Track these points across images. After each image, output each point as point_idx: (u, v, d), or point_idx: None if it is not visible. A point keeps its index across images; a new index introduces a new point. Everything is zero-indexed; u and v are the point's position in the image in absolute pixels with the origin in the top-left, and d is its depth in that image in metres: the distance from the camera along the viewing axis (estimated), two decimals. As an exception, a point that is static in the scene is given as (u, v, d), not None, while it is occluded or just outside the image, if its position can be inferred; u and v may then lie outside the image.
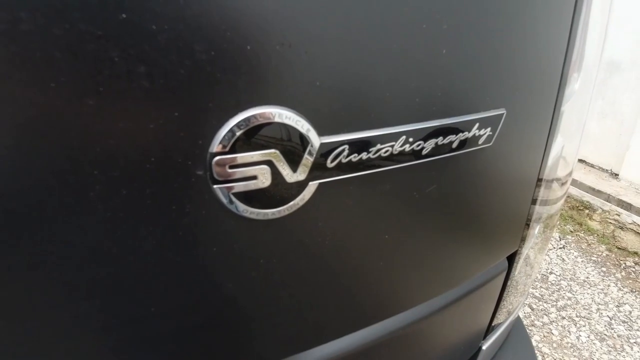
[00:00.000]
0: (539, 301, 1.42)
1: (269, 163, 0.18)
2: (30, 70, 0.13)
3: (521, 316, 1.30)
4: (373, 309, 0.28)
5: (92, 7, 0.13)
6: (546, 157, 0.34)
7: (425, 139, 0.22)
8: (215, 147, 0.17)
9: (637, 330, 1.28)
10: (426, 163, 0.23)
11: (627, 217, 1.85)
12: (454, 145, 0.23)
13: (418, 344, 0.36)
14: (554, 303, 1.41)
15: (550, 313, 1.36)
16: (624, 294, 1.45)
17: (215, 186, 0.17)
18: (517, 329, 0.52)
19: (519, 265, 0.39)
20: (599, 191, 2.06)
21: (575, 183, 2.21)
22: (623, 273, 1.56)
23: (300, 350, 0.25)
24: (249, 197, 0.18)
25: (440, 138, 0.22)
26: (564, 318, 1.34)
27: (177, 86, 0.16)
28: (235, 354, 0.23)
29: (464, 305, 0.35)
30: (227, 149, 0.17)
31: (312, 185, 0.19)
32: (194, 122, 0.16)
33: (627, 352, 1.19)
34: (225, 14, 0.15)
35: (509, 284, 0.39)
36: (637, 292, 1.45)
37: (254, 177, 0.18)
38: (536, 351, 1.19)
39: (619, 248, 1.71)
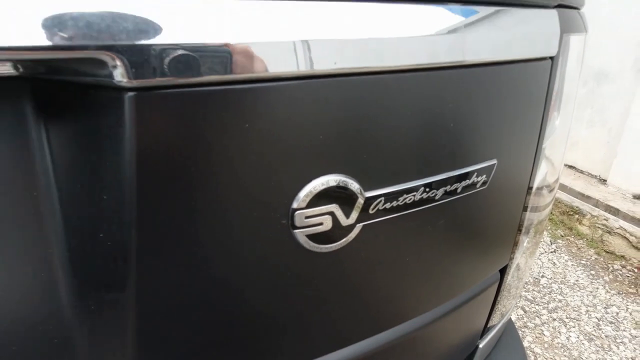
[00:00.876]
0: (531, 304, 1.51)
1: (331, 213, 0.26)
2: None
3: (514, 318, 1.39)
4: (384, 318, 0.36)
5: None
6: (530, 188, 0.42)
7: (437, 188, 0.30)
8: (296, 204, 0.24)
9: (624, 330, 1.37)
10: (438, 205, 0.31)
11: (614, 222, 1.95)
12: (458, 190, 0.31)
13: (420, 348, 0.44)
14: (546, 305, 1.50)
15: (542, 315, 1.45)
16: (612, 296, 1.54)
17: (294, 230, 0.25)
18: (509, 329, 0.60)
19: (510, 275, 0.47)
20: (588, 197, 2.17)
21: (565, 189, 2.31)
22: (611, 276, 1.66)
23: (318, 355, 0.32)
24: (316, 237, 0.26)
25: (448, 186, 0.30)
26: (554, 320, 1.43)
27: (275, 167, 0.23)
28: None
29: (463, 312, 0.43)
30: (304, 205, 0.25)
31: (358, 227, 0.27)
32: (284, 187, 0.24)
33: (613, 352, 1.29)
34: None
35: (501, 291, 0.47)
36: (623, 294, 1.55)
37: (321, 223, 0.25)
38: (529, 351, 1.28)
39: (607, 252, 1.81)
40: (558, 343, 1.32)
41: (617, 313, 1.45)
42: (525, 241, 0.48)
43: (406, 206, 0.29)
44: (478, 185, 0.33)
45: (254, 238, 0.25)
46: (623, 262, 1.73)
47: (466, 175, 0.31)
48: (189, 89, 0.19)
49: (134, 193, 0.20)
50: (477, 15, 0.29)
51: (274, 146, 0.23)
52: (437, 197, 0.30)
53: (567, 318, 1.43)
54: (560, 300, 1.52)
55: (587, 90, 2.39)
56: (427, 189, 0.29)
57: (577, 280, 1.63)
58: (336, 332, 0.33)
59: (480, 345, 0.49)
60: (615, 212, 2.00)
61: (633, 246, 1.79)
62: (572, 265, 1.74)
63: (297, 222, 0.25)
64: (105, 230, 0.21)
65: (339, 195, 0.26)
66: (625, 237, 1.85)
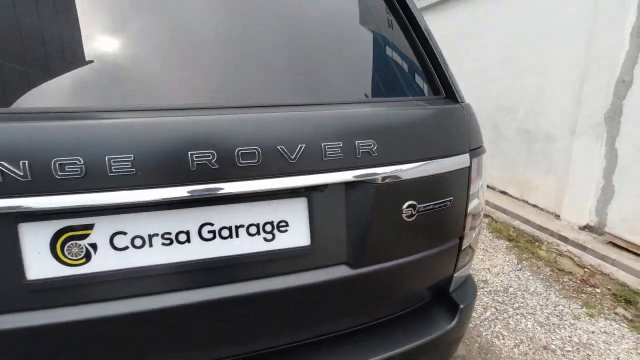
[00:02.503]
0: (501, 304, 2.06)
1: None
2: None
3: (489, 314, 1.93)
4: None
5: None
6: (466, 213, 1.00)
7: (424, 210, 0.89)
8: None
9: (565, 320, 1.92)
10: (431, 213, 0.89)
11: (564, 247, 2.56)
12: (436, 209, 0.90)
13: (419, 277, 0.98)
14: (512, 305, 2.05)
15: (509, 311, 1.99)
16: (560, 299, 2.11)
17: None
18: (470, 279, 1.15)
19: (464, 240, 1.04)
20: (546, 228, 2.80)
21: (529, 222, 2.95)
22: (560, 286, 2.23)
23: None
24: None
25: (432, 208, 0.89)
26: (517, 314, 1.97)
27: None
28: None
29: (445, 254, 0.99)
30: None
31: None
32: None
33: (557, 333, 1.83)
34: None
35: (461, 247, 1.04)
36: (568, 298, 2.11)
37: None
38: (499, 334, 1.81)
39: (558, 269, 2.39)
40: (519, 328, 1.86)
41: (562, 310, 2.00)
42: (468, 225, 1.05)
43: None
44: (443, 208, 0.91)
45: None
46: (570, 276, 2.31)
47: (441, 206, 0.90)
48: None
49: None
50: (425, 164, 0.87)
51: None
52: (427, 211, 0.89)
53: (526, 313, 1.98)
54: (522, 302, 2.07)
55: (541, 147, 3.12)
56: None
57: (535, 289, 2.20)
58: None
59: (455, 274, 1.05)
60: (565, 239, 2.62)
61: (577, 265, 2.39)
62: (532, 279, 2.31)
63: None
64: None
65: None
66: (571, 258, 2.45)
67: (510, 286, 2.23)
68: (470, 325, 1.89)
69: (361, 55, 0.93)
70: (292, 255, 0.76)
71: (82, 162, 0.59)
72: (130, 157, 0.61)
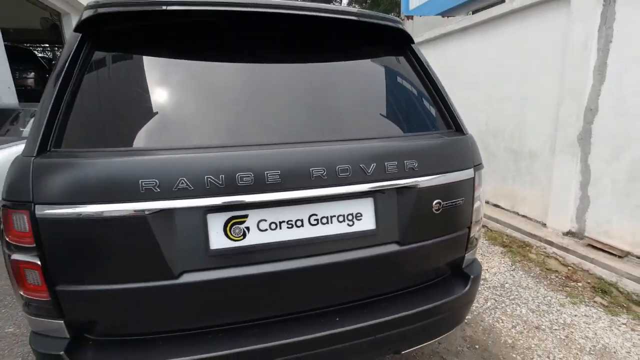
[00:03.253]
0: (499, 297, 2.45)
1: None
2: None
3: (489, 304, 2.34)
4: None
5: None
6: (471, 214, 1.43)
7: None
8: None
9: (553, 307, 2.32)
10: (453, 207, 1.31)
11: (550, 250, 2.99)
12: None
13: (443, 254, 1.39)
14: (508, 297, 2.44)
15: (506, 302, 2.39)
16: (548, 291, 2.51)
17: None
18: (476, 261, 1.55)
19: (471, 229, 1.44)
20: (534, 235, 3.23)
21: (520, 230, 3.38)
22: (548, 281, 2.64)
23: None
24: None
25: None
26: (513, 304, 2.36)
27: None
28: None
29: (457, 239, 1.39)
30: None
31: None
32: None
33: (546, 317, 2.22)
34: None
35: (470, 234, 1.44)
36: (555, 291, 2.52)
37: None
38: (498, 319, 2.20)
39: (546, 269, 2.81)
40: (515, 314, 2.25)
41: (550, 299, 2.41)
42: (474, 219, 1.46)
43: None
44: (457, 205, 1.33)
45: None
46: (556, 274, 2.73)
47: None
48: None
49: None
50: (446, 175, 1.29)
51: None
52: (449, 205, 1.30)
53: (520, 303, 2.37)
54: (516, 295, 2.47)
55: (526, 164, 3.61)
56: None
57: (527, 284, 2.61)
58: None
59: (466, 255, 1.45)
60: (551, 243, 3.05)
61: (562, 264, 2.81)
62: (524, 276, 2.72)
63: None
64: None
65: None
66: (557, 259, 2.88)
67: (506, 283, 2.64)
68: (474, 312, 2.28)
69: (403, 105, 1.39)
70: (364, 235, 1.17)
71: (252, 175, 1.01)
72: (278, 172, 1.03)
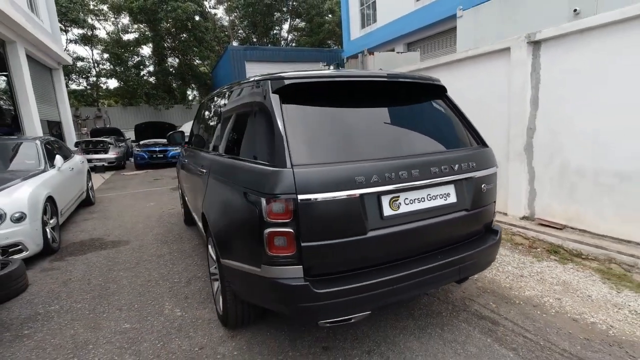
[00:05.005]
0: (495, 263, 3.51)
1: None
2: None
3: (510, 268, 3.33)
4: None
5: None
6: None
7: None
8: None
9: (526, 265, 3.42)
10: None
11: (514, 229, 4.18)
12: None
13: (486, 217, 2.35)
14: (496, 262, 3.51)
15: (495, 265, 3.44)
16: (520, 256, 3.63)
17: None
18: (497, 225, 2.54)
19: (495, 202, 2.43)
20: (500, 221, 4.42)
21: (490, 219, 4.56)
22: (518, 250, 3.78)
23: None
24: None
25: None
26: (501, 265, 3.43)
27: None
28: None
29: (490, 209, 2.36)
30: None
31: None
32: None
33: (524, 269, 3.31)
34: None
35: (495, 206, 2.42)
36: (524, 255, 3.64)
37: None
38: (495, 274, 3.24)
39: (515, 243, 3.96)
40: (505, 271, 3.30)
41: (523, 260, 3.52)
42: (496, 196, 2.45)
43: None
44: (491, 187, 2.31)
45: None
46: (522, 245, 3.89)
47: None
48: None
49: None
50: (487, 170, 2.30)
51: None
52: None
53: (506, 264, 3.45)
54: (500, 261, 3.55)
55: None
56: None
57: (505, 254, 3.71)
58: None
59: (493, 219, 2.42)
60: (513, 225, 4.25)
61: (524, 238, 3.99)
62: (502, 249, 3.83)
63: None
64: None
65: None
66: (520, 235, 4.06)
67: (492, 254, 3.72)
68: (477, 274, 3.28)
69: (454, 130, 2.36)
70: (451, 206, 2.08)
71: (403, 173, 1.87)
72: (416, 171, 1.91)
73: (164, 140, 14.53)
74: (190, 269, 3.74)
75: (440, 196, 2.06)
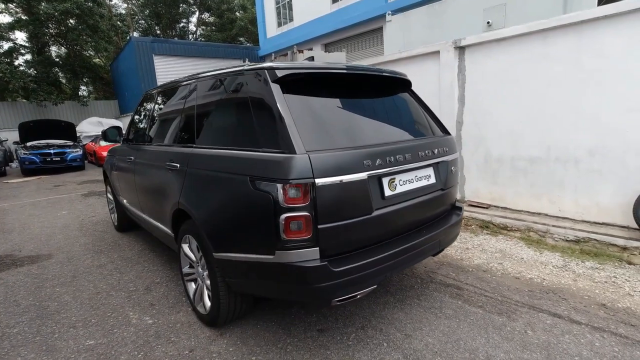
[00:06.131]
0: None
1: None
2: None
3: (456, 243, 3.81)
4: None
5: None
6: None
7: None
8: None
9: (467, 239, 3.99)
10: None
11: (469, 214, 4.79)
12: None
13: (453, 195, 2.73)
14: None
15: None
16: (461, 233, 4.20)
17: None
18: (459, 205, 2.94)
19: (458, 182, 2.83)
20: (438, 205, 5.01)
21: (428, 204, 5.14)
22: (465, 230, 4.36)
23: None
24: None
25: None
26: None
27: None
28: None
29: (456, 188, 2.75)
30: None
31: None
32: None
33: (467, 243, 3.85)
34: None
35: (457, 186, 2.82)
36: (463, 232, 4.23)
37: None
38: (445, 251, 3.72)
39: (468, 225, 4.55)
40: (452, 245, 3.80)
41: (464, 236, 4.08)
42: (457, 184, 2.86)
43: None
44: (456, 169, 2.69)
45: None
46: (474, 227, 4.49)
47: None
48: None
49: None
50: (454, 155, 2.68)
51: None
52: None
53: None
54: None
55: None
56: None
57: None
58: None
59: (457, 197, 2.81)
60: (470, 211, 4.86)
61: (477, 221, 4.60)
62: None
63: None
64: None
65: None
66: (474, 219, 4.66)
67: (437, 233, 4.23)
68: (433, 249, 3.72)
69: (425, 121, 2.67)
70: (432, 186, 2.38)
71: (396, 157, 2.09)
72: (407, 154, 2.14)
73: (60, 142, 12.72)
74: (144, 276, 3.46)
75: (424, 177, 2.34)
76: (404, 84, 2.76)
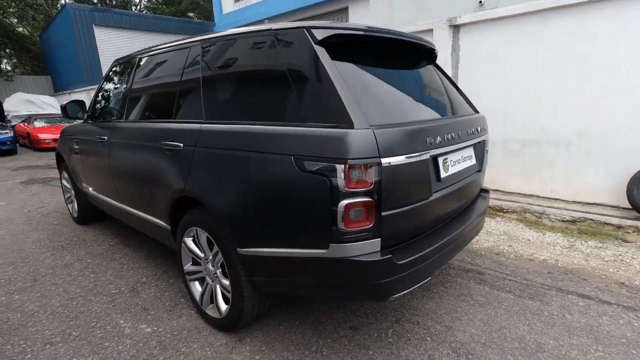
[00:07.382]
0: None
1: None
2: None
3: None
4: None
5: None
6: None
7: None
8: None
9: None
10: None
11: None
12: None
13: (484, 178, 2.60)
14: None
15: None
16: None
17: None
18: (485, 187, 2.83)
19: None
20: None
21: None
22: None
23: None
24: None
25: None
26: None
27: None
28: None
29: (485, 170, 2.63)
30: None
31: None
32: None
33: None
34: None
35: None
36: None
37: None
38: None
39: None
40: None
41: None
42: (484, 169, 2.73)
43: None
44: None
45: None
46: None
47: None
48: None
49: None
50: (486, 134, 2.53)
51: None
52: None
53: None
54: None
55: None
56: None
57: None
58: None
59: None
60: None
61: (453, 201, 4.58)
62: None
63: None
64: None
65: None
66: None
67: (435, 217, 4.16)
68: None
69: (459, 97, 2.47)
70: (474, 167, 2.22)
71: (449, 135, 1.88)
72: (461, 131, 1.94)
73: (-16, 122, 11.01)
74: (125, 275, 2.99)
75: (468, 157, 2.17)
76: (430, 56, 2.53)
